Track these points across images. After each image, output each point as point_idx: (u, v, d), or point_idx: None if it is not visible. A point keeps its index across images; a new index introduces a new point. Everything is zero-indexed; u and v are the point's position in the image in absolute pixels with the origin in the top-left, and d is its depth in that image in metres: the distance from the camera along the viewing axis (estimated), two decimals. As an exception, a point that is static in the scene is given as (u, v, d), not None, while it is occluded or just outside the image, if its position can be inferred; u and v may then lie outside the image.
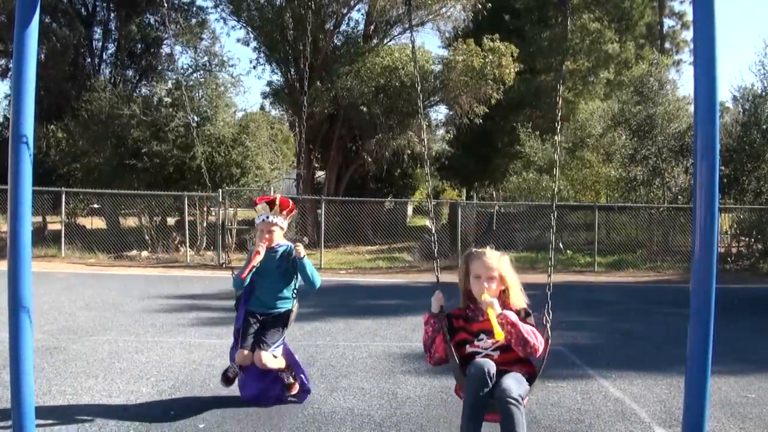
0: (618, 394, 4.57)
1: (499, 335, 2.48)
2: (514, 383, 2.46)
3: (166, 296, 8.91)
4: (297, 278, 4.15)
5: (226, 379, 4.05)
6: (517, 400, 2.39)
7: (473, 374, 2.45)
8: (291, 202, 4.16)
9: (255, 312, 4.10)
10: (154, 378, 4.72)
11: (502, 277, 2.70)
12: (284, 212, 4.12)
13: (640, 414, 4.15)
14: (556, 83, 23.00)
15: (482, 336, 2.66)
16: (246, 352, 3.96)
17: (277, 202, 4.09)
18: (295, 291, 4.18)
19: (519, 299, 2.71)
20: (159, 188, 15.14)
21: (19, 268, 2.88)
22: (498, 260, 2.72)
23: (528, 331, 2.58)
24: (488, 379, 2.43)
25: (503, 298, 2.71)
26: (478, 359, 2.50)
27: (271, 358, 3.93)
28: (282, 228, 4.14)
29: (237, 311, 4.24)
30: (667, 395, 4.55)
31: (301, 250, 3.97)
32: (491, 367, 2.46)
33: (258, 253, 3.95)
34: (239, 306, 4.21)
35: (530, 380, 2.64)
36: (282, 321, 4.10)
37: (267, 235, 4.06)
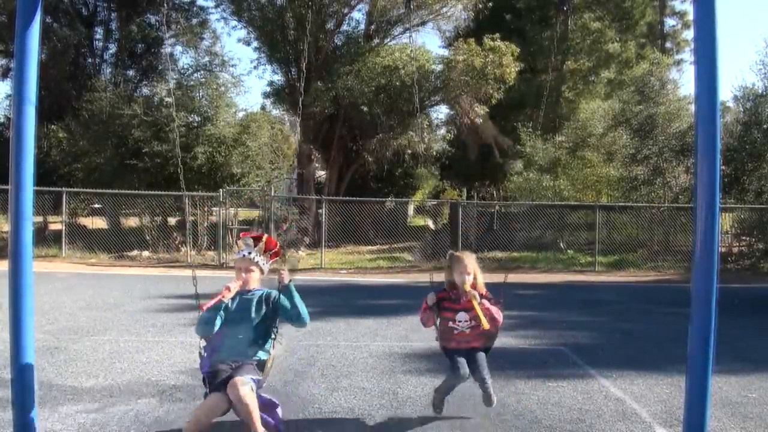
0: (619, 394, 4.58)
1: (486, 326, 3.69)
2: (484, 370, 3.82)
3: (167, 296, 8.91)
4: (276, 326, 3.58)
5: None
6: (489, 383, 3.81)
7: (452, 379, 3.81)
8: (278, 245, 3.69)
9: (225, 360, 3.42)
10: (155, 378, 4.73)
11: (474, 270, 3.88)
12: (268, 252, 3.61)
13: (641, 414, 4.15)
14: (557, 84, 22.99)
15: (461, 314, 3.88)
16: (215, 397, 3.23)
17: (263, 240, 3.60)
18: (272, 339, 3.59)
19: (482, 284, 3.93)
20: (160, 188, 15.14)
21: (20, 268, 2.88)
22: (472, 261, 3.90)
23: (496, 310, 3.82)
24: (461, 380, 3.81)
25: (473, 283, 3.87)
26: (460, 368, 3.75)
27: (250, 391, 3.20)
28: (262, 271, 3.61)
29: (200, 363, 3.52)
30: (668, 395, 4.55)
31: (285, 275, 3.49)
32: (463, 376, 3.76)
33: (228, 289, 3.39)
34: (203, 360, 3.49)
35: (488, 350, 4.00)
36: (259, 366, 3.49)
37: (243, 274, 3.52)
